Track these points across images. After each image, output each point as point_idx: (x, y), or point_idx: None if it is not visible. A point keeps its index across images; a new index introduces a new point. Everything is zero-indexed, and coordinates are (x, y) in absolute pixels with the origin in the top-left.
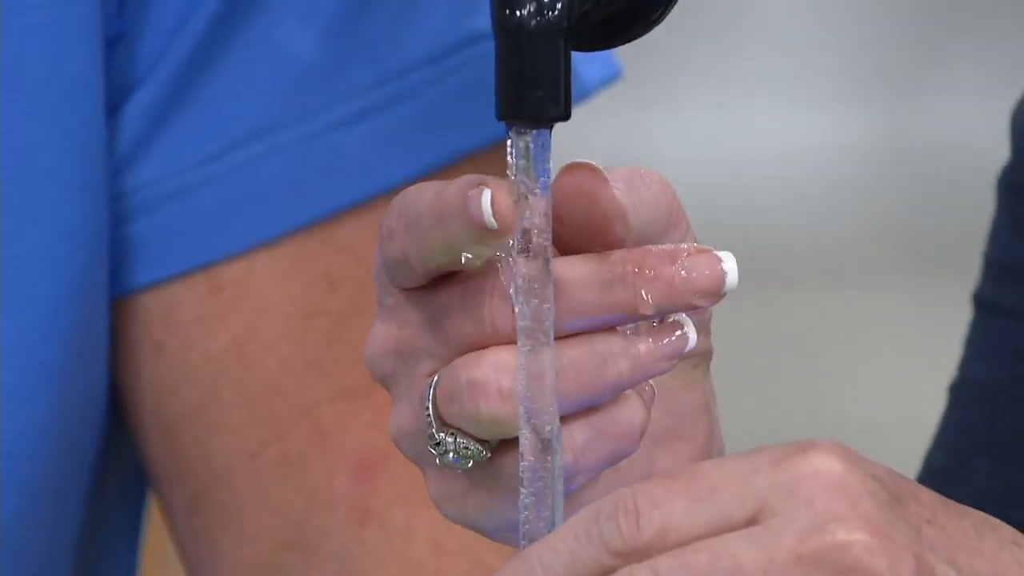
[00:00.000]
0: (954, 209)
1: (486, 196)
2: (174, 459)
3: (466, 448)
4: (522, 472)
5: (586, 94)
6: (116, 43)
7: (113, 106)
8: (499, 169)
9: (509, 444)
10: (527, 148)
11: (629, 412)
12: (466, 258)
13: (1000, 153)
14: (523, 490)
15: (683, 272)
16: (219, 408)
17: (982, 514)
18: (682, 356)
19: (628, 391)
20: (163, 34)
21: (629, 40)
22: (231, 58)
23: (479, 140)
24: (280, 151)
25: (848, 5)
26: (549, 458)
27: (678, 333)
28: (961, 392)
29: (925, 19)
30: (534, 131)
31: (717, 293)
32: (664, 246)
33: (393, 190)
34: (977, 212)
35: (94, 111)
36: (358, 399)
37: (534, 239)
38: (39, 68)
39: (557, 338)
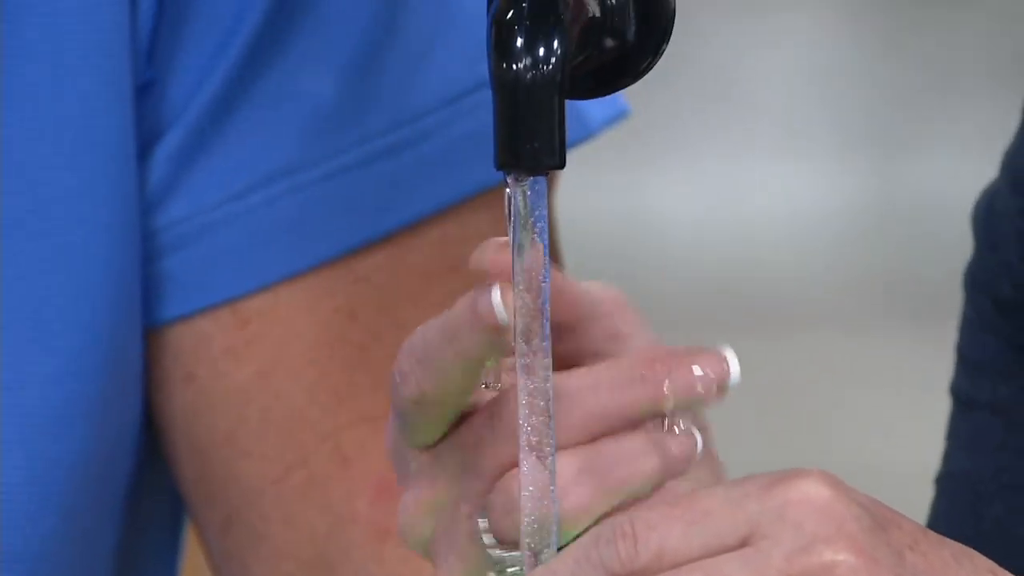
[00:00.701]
0: (935, 260)
1: (495, 291)
2: (205, 483)
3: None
4: None
5: (592, 133)
6: (146, 90)
7: (143, 149)
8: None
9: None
10: (524, 196)
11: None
12: (485, 382)
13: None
14: None
15: (696, 370)
16: (246, 435)
17: (960, 544)
18: (695, 457)
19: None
20: (190, 81)
21: (619, 89)
22: (254, 103)
23: (489, 179)
24: (300, 190)
25: (840, 72)
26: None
27: (692, 433)
28: (946, 484)
29: (911, 87)
30: (530, 179)
31: (725, 388)
32: (673, 347)
33: (409, 224)
34: (957, 263)
35: (126, 157)
36: (378, 424)
37: (533, 280)
38: (74, 117)
39: (584, 443)
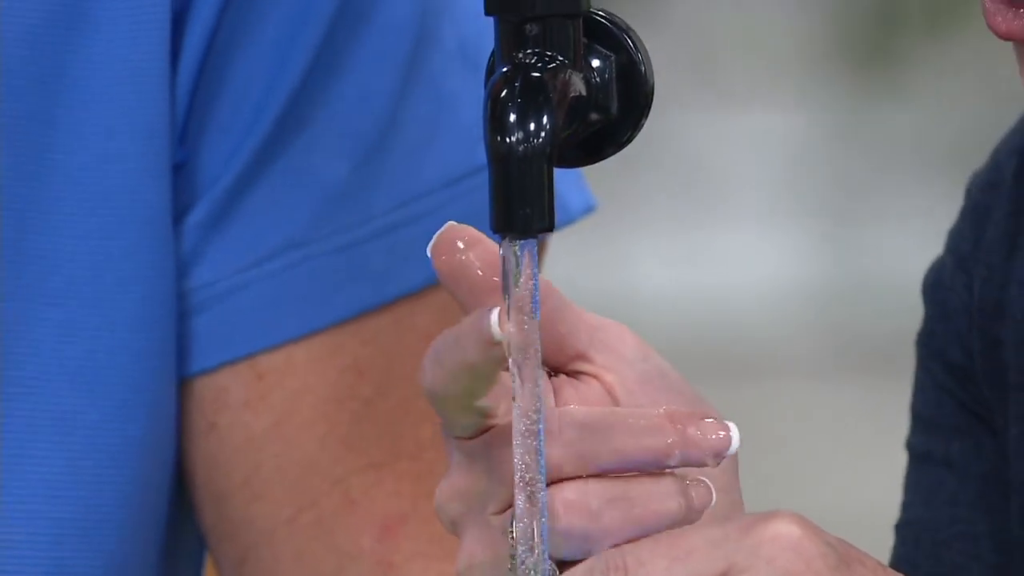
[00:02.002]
0: (881, 319)
1: (495, 312)
2: (223, 523)
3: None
4: None
5: (571, 220)
6: (179, 169)
7: (176, 220)
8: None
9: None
10: (516, 256)
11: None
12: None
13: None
14: None
15: (699, 433)
16: (261, 480)
17: None
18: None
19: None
20: (218, 161)
21: (603, 159)
22: (273, 180)
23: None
24: (312, 259)
25: (800, 159)
26: None
27: (709, 486)
28: (907, 531)
29: (860, 172)
30: (521, 241)
31: (722, 454)
32: (684, 409)
33: (413, 292)
34: (900, 321)
35: (164, 227)
36: (383, 470)
37: (529, 345)
38: (121, 193)
39: (616, 473)
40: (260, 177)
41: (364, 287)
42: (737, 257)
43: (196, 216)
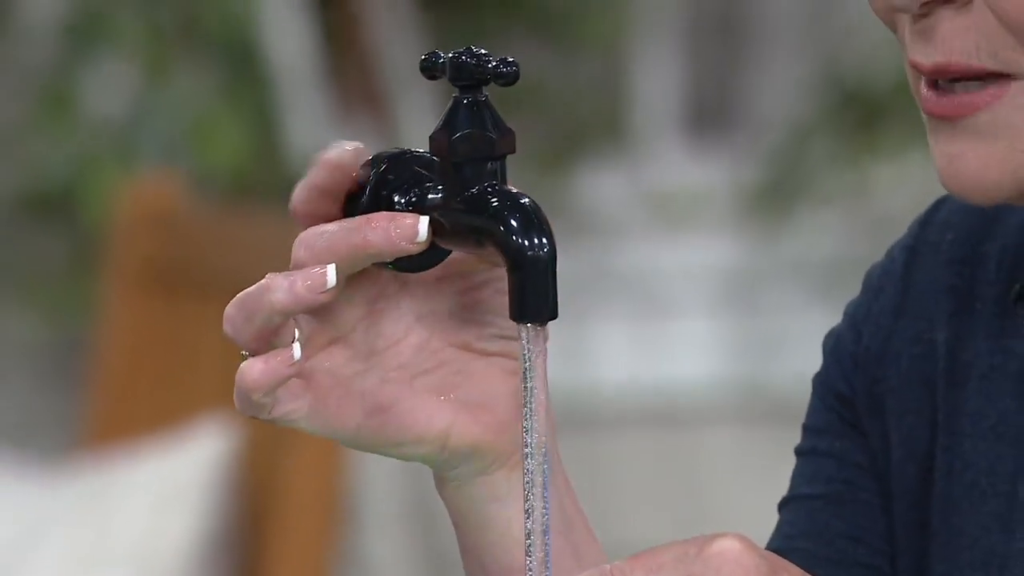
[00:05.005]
0: (788, 384)
1: (424, 220)
2: None
3: None
4: None
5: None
6: None
7: None
8: None
9: None
10: (528, 338)
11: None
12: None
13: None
14: None
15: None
16: None
17: None
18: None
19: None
20: None
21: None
22: None
23: None
24: None
25: (727, 267)
26: None
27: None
28: (791, 504)
29: (776, 277)
30: (529, 326)
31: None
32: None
33: None
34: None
35: None
36: None
37: (538, 437)
38: None
39: None
40: None
41: None
42: (679, 349)
43: None
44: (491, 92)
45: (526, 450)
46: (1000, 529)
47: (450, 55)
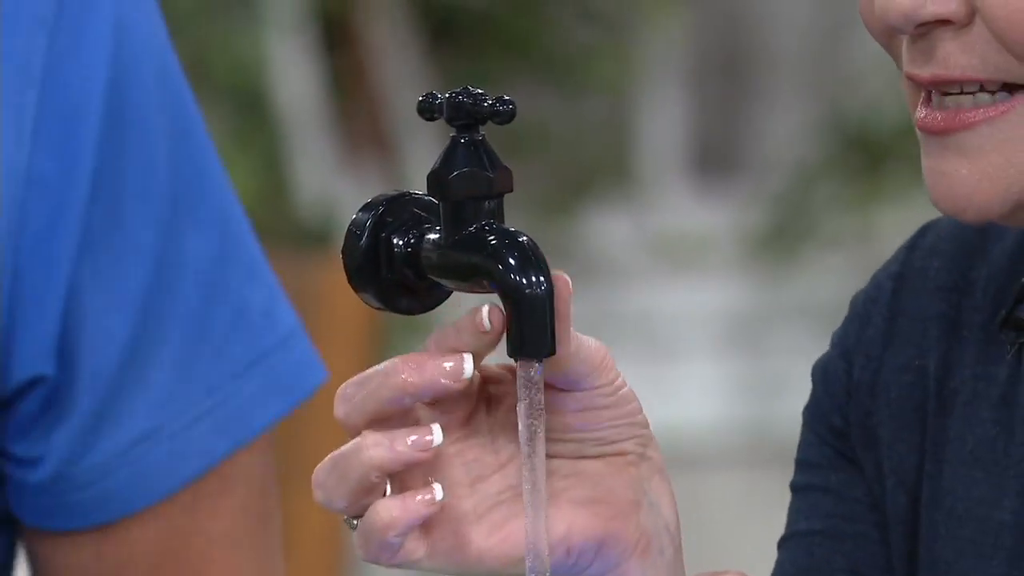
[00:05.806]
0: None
1: (485, 308)
2: None
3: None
4: None
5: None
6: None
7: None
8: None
9: None
10: (526, 375)
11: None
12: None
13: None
14: None
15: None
16: None
17: None
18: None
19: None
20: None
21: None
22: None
23: (287, 407)
24: (171, 439)
25: (733, 306)
26: None
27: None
28: (790, 542)
29: (780, 314)
30: (523, 361)
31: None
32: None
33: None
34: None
35: None
36: None
37: (531, 418)
38: None
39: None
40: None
41: (189, 463)
42: (685, 389)
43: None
44: (497, 136)
45: (526, 486)
46: (974, 554)
47: (447, 95)
